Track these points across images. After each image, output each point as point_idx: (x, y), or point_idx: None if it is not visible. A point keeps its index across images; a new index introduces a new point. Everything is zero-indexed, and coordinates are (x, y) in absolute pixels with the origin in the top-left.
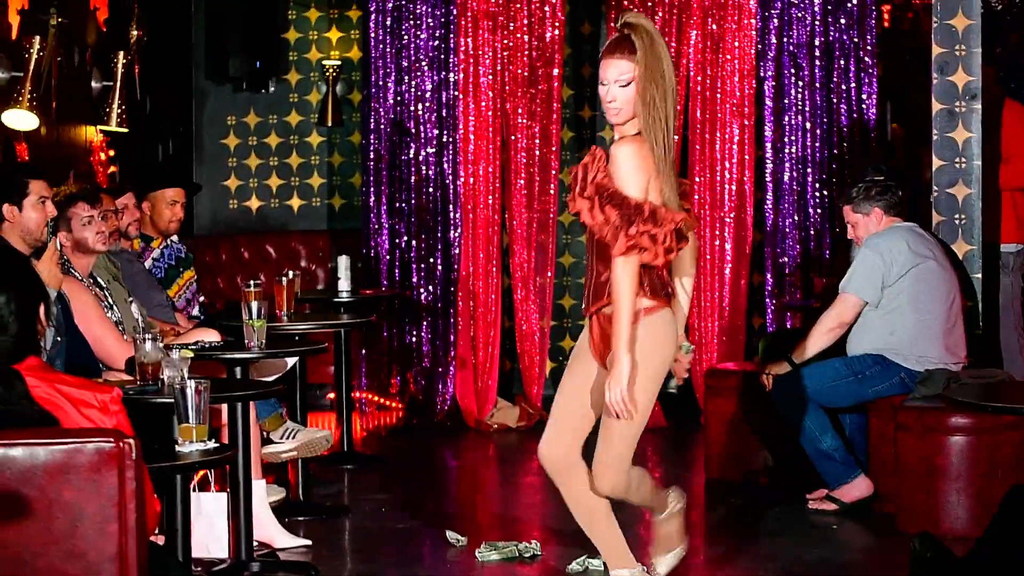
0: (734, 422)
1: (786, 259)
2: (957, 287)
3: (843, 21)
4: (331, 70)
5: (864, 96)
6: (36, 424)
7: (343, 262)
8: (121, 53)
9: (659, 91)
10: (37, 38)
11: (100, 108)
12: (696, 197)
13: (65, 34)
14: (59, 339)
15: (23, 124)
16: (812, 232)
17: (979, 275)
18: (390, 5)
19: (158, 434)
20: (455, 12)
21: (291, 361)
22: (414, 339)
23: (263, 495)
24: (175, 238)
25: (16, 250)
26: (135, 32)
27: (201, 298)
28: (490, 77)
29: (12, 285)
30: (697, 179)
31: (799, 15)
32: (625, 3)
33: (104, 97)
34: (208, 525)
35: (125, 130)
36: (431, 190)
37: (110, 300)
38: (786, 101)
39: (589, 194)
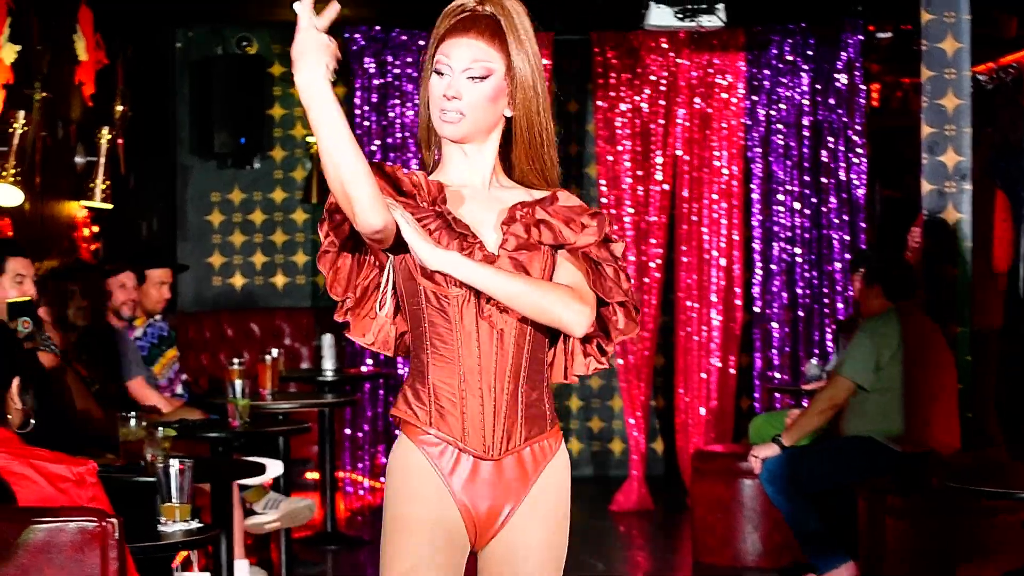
0: (721, 504)
1: (774, 340)
2: (951, 371)
3: (832, 100)
4: (316, 147)
5: (853, 176)
6: None
7: (327, 340)
8: (106, 128)
9: (541, 103)
10: (21, 113)
11: (84, 183)
12: (683, 277)
13: (49, 109)
14: (33, 421)
15: (7, 199)
16: (801, 313)
17: (969, 357)
18: (376, 82)
19: (140, 513)
20: None
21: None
22: None
23: None
24: (158, 316)
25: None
26: (120, 107)
27: (184, 376)
28: None
29: None
30: (684, 259)
31: (787, 94)
32: (612, 80)
33: (88, 172)
34: None
35: (109, 206)
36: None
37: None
38: (774, 180)
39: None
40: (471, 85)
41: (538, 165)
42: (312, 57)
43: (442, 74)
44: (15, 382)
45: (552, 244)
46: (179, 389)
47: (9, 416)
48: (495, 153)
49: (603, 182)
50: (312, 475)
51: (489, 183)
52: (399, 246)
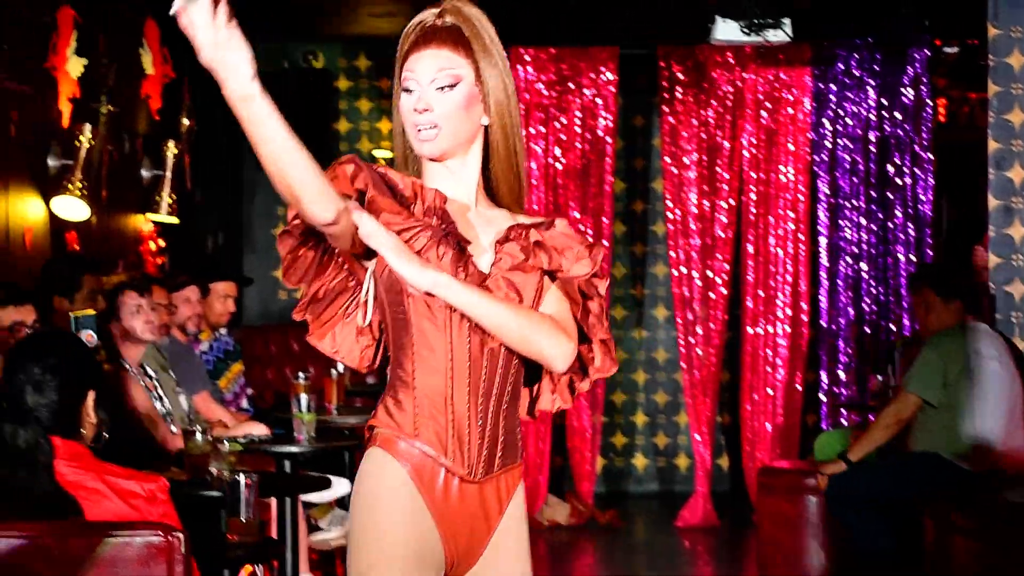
0: (787, 521)
1: (841, 356)
2: (1021, 388)
3: (898, 115)
4: (381, 162)
5: (920, 191)
6: (51, 506)
7: None
8: (172, 142)
9: (514, 111)
10: (88, 126)
11: (150, 197)
12: (749, 292)
13: (116, 123)
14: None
15: (73, 213)
16: (867, 328)
17: None
18: None
19: (206, 527)
20: None
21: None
22: None
23: None
24: (224, 330)
25: (78, 338)
26: (186, 121)
27: (249, 391)
28: (542, 169)
29: (59, 357)
30: (751, 275)
31: (853, 109)
32: (678, 94)
33: (154, 186)
34: None
35: (175, 220)
36: None
37: (159, 391)
38: (840, 195)
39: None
40: (441, 96)
41: (512, 178)
42: (224, 60)
43: (410, 91)
44: (91, 396)
45: (547, 269)
46: (244, 403)
47: (83, 430)
48: (479, 167)
49: (669, 197)
50: None
51: (476, 201)
52: (375, 253)
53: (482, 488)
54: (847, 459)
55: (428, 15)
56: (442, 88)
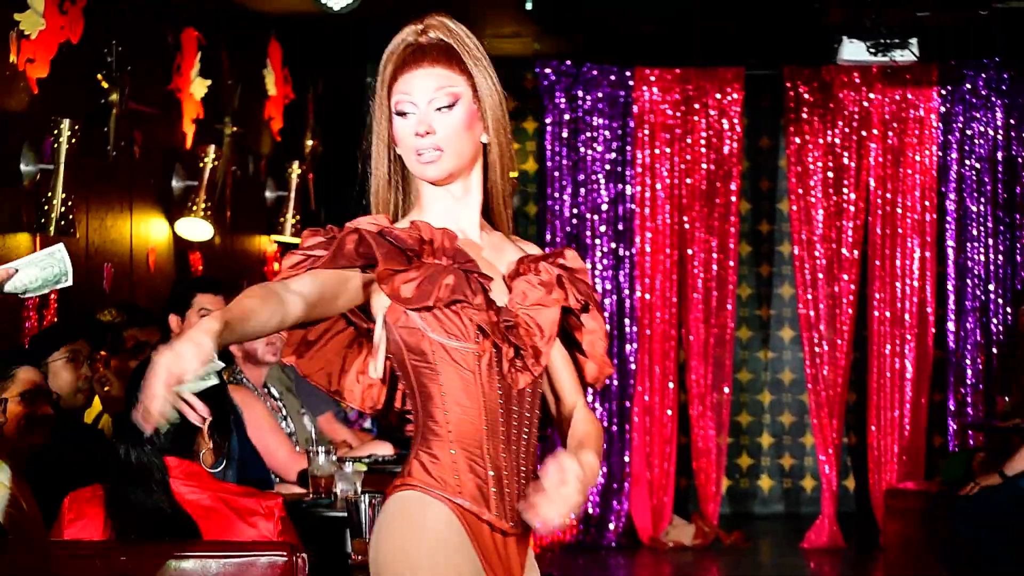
0: (914, 543)
1: (968, 377)
2: None
3: None
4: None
5: None
6: (168, 525)
7: None
8: (296, 163)
9: (507, 126)
10: (212, 147)
11: (274, 218)
12: (875, 314)
13: (240, 143)
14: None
15: (197, 234)
16: (995, 350)
17: None
18: (567, 117)
19: (330, 548)
20: (632, 124)
21: None
22: None
23: None
24: None
25: None
26: (310, 142)
27: (367, 422)
28: (667, 190)
29: None
30: (877, 295)
31: (981, 129)
32: (804, 114)
33: (278, 207)
34: None
35: (300, 241)
36: (607, 304)
37: (284, 411)
38: (968, 216)
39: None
40: (441, 116)
41: (503, 196)
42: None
43: (405, 114)
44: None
45: (565, 304)
46: (368, 423)
47: (201, 453)
48: (481, 190)
49: (795, 217)
50: None
51: (480, 227)
52: (388, 302)
53: (517, 540)
54: (1003, 473)
55: (410, 33)
56: (441, 108)
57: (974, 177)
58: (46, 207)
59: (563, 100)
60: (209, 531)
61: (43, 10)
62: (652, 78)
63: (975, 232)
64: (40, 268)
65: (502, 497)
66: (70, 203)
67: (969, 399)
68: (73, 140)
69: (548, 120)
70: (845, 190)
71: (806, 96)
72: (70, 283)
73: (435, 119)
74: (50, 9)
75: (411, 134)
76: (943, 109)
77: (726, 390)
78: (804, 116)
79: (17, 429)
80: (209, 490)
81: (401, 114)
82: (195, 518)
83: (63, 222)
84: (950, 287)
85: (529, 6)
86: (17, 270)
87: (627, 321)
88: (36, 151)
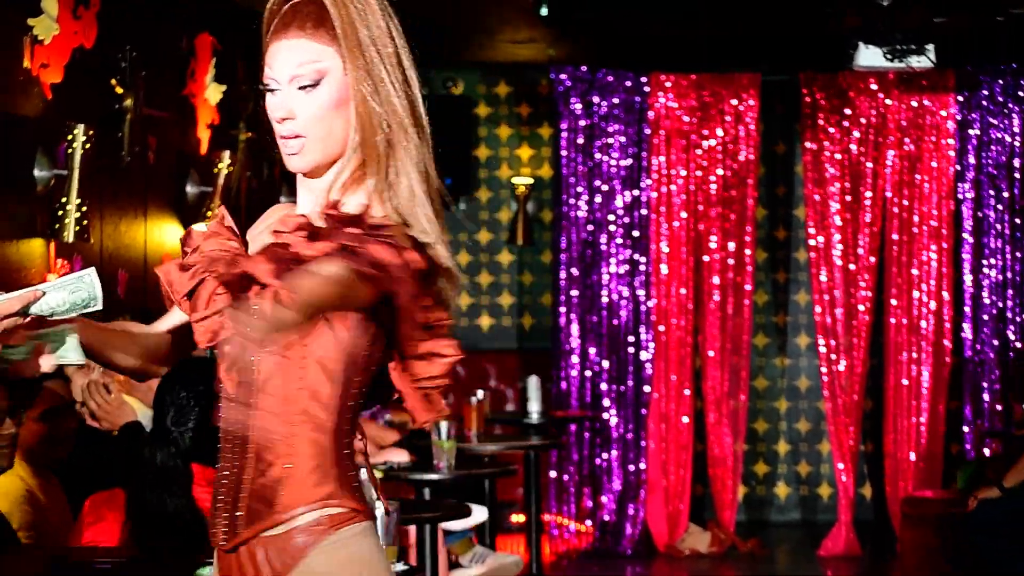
0: (931, 552)
1: (985, 385)
2: None
3: None
4: (522, 188)
5: None
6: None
7: (533, 383)
8: None
9: (399, 91)
10: (227, 153)
11: None
12: (892, 320)
13: (255, 149)
14: None
15: None
16: (1012, 357)
17: None
18: (582, 123)
19: None
20: (648, 131)
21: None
22: (604, 462)
23: None
24: None
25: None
26: None
27: (388, 415)
28: (683, 196)
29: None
30: (894, 302)
31: (998, 135)
32: (820, 121)
33: None
34: None
35: None
36: (622, 311)
37: None
38: (985, 223)
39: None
40: (304, 97)
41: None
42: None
43: (273, 91)
44: None
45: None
46: (388, 417)
47: None
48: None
49: (811, 224)
50: (517, 518)
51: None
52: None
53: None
54: (1002, 486)
55: None
56: (305, 87)
57: (991, 184)
58: (60, 213)
59: (578, 106)
60: None
61: (57, 15)
62: (668, 84)
63: (992, 239)
64: (69, 291)
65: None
66: (84, 209)
67: (986, 407)
68: (87, 146)
69: (563, 126)
70: (861, 197)
71: (822, 102)
72: (99, 307)
73: (297, 100)
74: (64, 14)
75: (272, 116)
76: (960, 116)
77: (742, 397)
78: (820, 122)
79: (39, 445)
80: None
81: (270, 91)
82: None
83: (77, 228)
84: (967, 294)
85: (544, 12)
86: (45, 292)
87: (643, 328)
88: (50, 157)
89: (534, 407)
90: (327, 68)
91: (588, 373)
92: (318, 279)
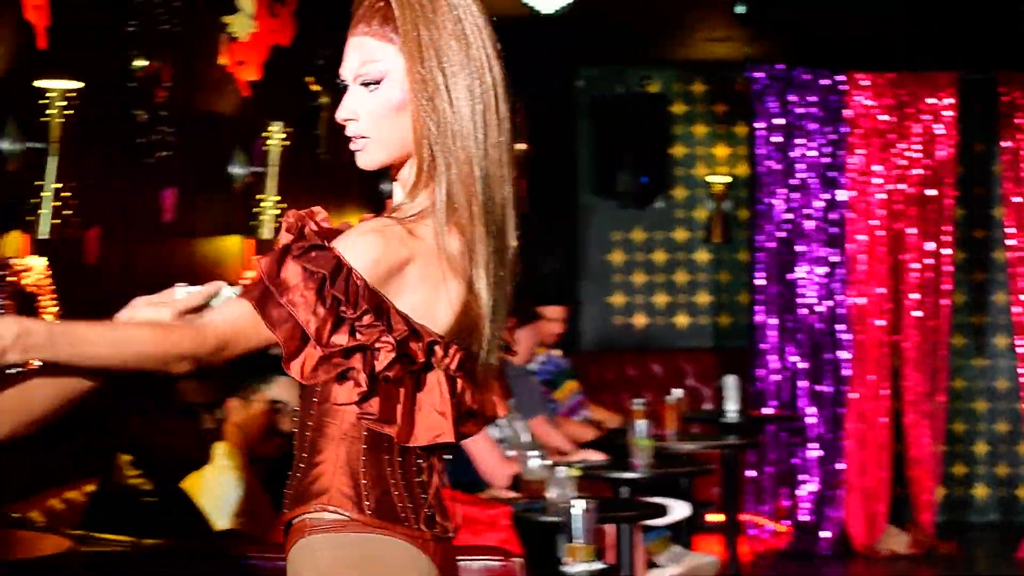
0: None
1: None
2: None
3: None
4: (718, 187)
5: None
6: None
7: (730, 382)
8: None
9: (455, 97)
10: None
11: None
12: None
13: None
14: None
15: None
16: None
17: None
18: (778, 122)
19: (543, 552)
20: (845, 129)
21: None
22: (802, 461)
23: None
24: (557, 352)
25: None
26: (520, 146)
27: (587, 412)
28: (881, 195)
29: None
30: None
31: None
32: (1019, 120)
33: None
34: None
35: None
36: (820, 310)
37: None
38: None
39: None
40: (367, 95)
41: (465, 184)
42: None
43: (345, 88)
44: None
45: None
46: (587, 413)
47: None
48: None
49: (1009, 224)
50: (714, 517)
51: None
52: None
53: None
54: None
55: None
56: (367, 84)
57: None
58: (256, 210)
59: (775, 104)
60: None
61: (254, 13)
62: (865, 83)
63: None
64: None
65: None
66: (282, 206)
67: None
68: (284, 143)
69: (760, 124)
70: None
71: (1020, 102)
72: None
73: (360, 99)
74: (260, 12)
75: (339, 117)
76: None
77: (941, 398)
78: (1018, 122)
79: (257, 433)
80: None
81: (342, 85)
82: None
83: (275, 225)
84: None
85: (740, 10)
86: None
87: (840, 327)
88: (247, 154)
89: (731, 406)
90: (388, 68)
91: (786, 372)
92: (224, 318)
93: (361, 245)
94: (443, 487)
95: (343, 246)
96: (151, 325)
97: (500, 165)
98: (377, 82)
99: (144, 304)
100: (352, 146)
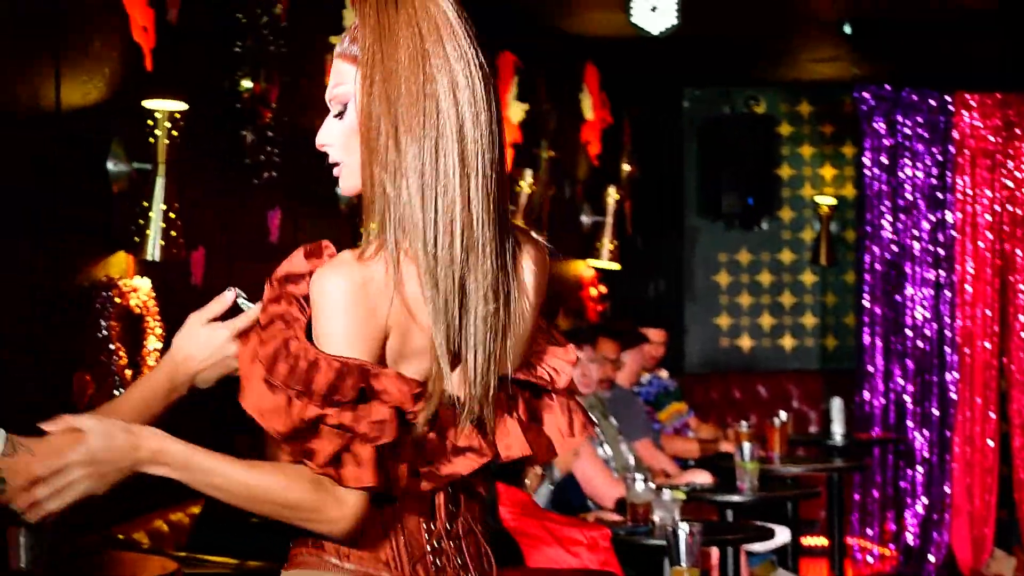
0: None
1: None
2: None
3: None
4: (825, 208)
5: None
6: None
7: (836, 404)
8: (612, 188)
9: (415, 123)
10: (529, 171)
11: (591, 243)
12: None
13: (556, 168)
14: (551, 486)
15: None
16: None
17: None
18: (886, 142)
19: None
20: (952, 150)
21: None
22: (908, 484)
23: None
24: (663, 374)
25: None
26: (626, 167)
27: (691, 433)
28: (989, 217)
29: None
30: None
31: None
32: None
33: (595, 232)
34: None
35: (616, 266)
36: (927, 332)
37: (601, 438)
38: None
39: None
40: (336, 121)
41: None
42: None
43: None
44: None
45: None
46: (689, 434)
47: (527, 480)
48: None
49: None
50: (819, 540)
51: None
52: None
53: None
54: None
55: None
56: (335, 111)
57: None
58: (361, 230)
59: (882, 125)
60: (532, 558)
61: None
62: (972, 103)
63: None
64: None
65: None
66: None
67: None
68: None
69: (867, 145)
70: None
71: None
72: None
73: (331, 125)
74: None
75: (317, 143)
76: None
77: None
78: None
79: None
80: (534, 518)
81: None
82: (519, 544)
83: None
84: None
85: (848, 30)
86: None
87: (947, 349)
88: None
89: (838, 428)
90: (351, 91)
91: (892, 395)
92: None
93: (337, 328)
94: (474, 527)
95: (325, 342)
96: (296, 490)
97: (480, 213)
98: (344, 104)
99: (199, 324)
100: (334, 173)
